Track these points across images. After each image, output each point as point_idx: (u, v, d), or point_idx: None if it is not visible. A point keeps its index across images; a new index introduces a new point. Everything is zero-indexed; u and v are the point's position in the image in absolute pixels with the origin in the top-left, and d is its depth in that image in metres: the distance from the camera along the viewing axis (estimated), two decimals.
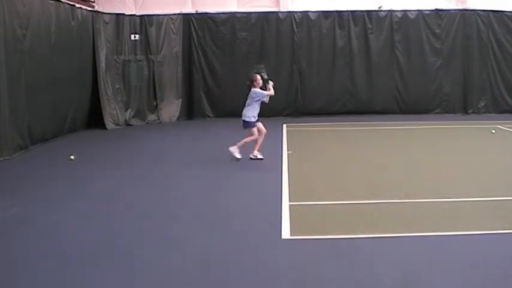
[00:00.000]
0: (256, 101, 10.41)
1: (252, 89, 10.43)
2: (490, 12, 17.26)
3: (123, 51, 16.14)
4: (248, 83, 10.55)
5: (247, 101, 10.49)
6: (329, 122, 15.98)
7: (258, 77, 10.49)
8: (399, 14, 17.24)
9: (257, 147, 10.50)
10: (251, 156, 10.49)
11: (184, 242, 5.97)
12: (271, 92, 10.48)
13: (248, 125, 10.42)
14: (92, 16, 15.25)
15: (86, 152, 11.76)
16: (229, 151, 10.41)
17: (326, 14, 17.22)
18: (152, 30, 16.58)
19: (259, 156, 10.48)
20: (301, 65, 17.32)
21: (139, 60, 16.49)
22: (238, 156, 10.35)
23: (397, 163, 10.36)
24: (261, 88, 10.53)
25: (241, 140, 10.47)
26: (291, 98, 17.37)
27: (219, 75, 17.22)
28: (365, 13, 17.24)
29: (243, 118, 10.43)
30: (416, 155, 11.09)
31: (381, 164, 10.20)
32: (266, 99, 10.49)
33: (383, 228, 6.26)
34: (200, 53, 17.17)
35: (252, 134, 10.45)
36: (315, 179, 8.99)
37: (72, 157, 10.53)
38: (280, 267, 5.27)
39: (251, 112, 10.37)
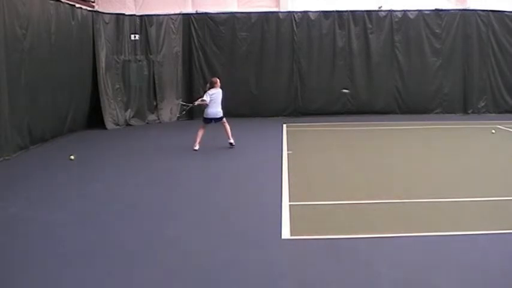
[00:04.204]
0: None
1: (218, 90, 11.61)
2: (490, 12, 17.26)
3: (123, 51, 16.14)
4: (209, 86, 11.79)
5: (218, 100, 11.60)
6: (329, 122, 15.98)
7: (218, 80, 11.86)
8: (399, 14, 17.24)
9: (229, 135, 11.68)
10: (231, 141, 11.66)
11: (184, 242, 5.98)
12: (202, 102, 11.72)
13: (221, 119, 11.65)
14: (92, 16, 15.24)
15: (86, 152, 11.75)
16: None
17: (326, 14, 17.22)
18: (152, 30, 16.57)
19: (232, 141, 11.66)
20: (301, 65, 17.31)
21: (139, 60, 16.49)
22: (196, 147, 11.49)
23: (397, 163, 10.36)
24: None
25: (227, 134, 11.66)
26: (291, 98, 17.37)
27: (219, 75, 17.17)
28: (365, 13, 17.23)
29: (220, 115, 11.60)
30: (416, 155, 11.09)
31: (380, 164, 10.20)
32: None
33: (383, 228, 6.26)
34: (200, 53, 17.16)
35: (226, 123, 11.69)
36: (315, 179, 8.99)
37: (72, 157, 10.53)
38: (280, 267, 5.27)
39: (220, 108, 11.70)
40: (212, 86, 11.66)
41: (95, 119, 15.17)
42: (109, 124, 15.33)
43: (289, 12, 17.30)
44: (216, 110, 11.54)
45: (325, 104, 17.31)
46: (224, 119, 11.66)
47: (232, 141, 11.66)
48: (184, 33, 17.07)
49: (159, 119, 16.77)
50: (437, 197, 7.64)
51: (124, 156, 11.48)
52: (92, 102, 15.24)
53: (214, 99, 11.49)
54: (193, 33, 17.07)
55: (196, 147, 11.48)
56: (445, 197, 7.65)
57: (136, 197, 8.01)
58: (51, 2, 12.95)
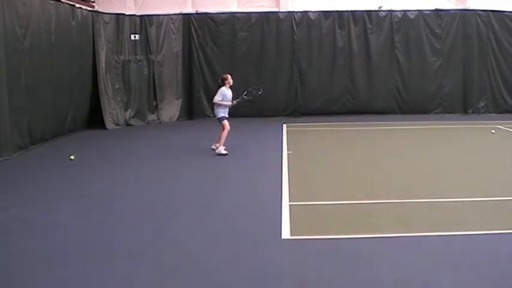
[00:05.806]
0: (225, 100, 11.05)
1: (221, 88, 11.06)
2: (490, 12, 17.27)
3: (123, 51, 16.15)
4: (219, 82, 11.29)
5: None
6: (329, 122, 15.98)
7: (229, 76, 11.20)
8: (399, 14, 17.25)
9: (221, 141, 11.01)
10: (213, 147, 11.11)
11: (184, 242, 5.98)
12: (232, 103, 11.13)
13: (221, 119, 11.01)
14: (92, 16, 15.25)
15: (86, 152, 11.75)
16: (216, 154, 10.91)
17: (326, 14, 17.23)
18: (152, 30, 16.58)
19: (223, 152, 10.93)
20: (301, 65, 17.32)
21: (139, 60, 16.49)
22: (225, 152, 10.83)
23: (397, 163, 10.36)
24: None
25: (218, 139, 11.00)
26: (291, 98, 17.39)
27: (219, 75, 17.18)
28: (365, 13, 17.24)
29: (216, 116, 11.14)
30: (416, 155, 11.08)
31: (380, 164, 10.20)
32: (225, 102, 11.02)
33: (383, 228, 6.26)
34: (200, 53, 17.17)
35: (224, 128, 10.93)
36: (315, 179, 8.98)
37: (72, 157, 10.54)
38: (280, 267, 5.27)
39: (222, 109, 11.04)
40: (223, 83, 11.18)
41: (95, 119, 15.18)
42: (109, 124, 15.33)
43: (289, 12, 17.30)
44: (215, 110, 11.28)
45: (325, 104, 17.33)
46: (224, 122, 10.92)
47: (214, 147, 11.05)
48: (184, 33, 17.08)
49: (159, 119, 16.78)
50: (437, 197, 7.64)
51: (124, 156, 11.48)
52: (92, 102, 15.24)
53: None
54: (193, 33, 17.08)
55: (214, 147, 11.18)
56: (445, 197, 7.65)
57: (136, 197, 8.01)
58: (51, 2, 12.95)
